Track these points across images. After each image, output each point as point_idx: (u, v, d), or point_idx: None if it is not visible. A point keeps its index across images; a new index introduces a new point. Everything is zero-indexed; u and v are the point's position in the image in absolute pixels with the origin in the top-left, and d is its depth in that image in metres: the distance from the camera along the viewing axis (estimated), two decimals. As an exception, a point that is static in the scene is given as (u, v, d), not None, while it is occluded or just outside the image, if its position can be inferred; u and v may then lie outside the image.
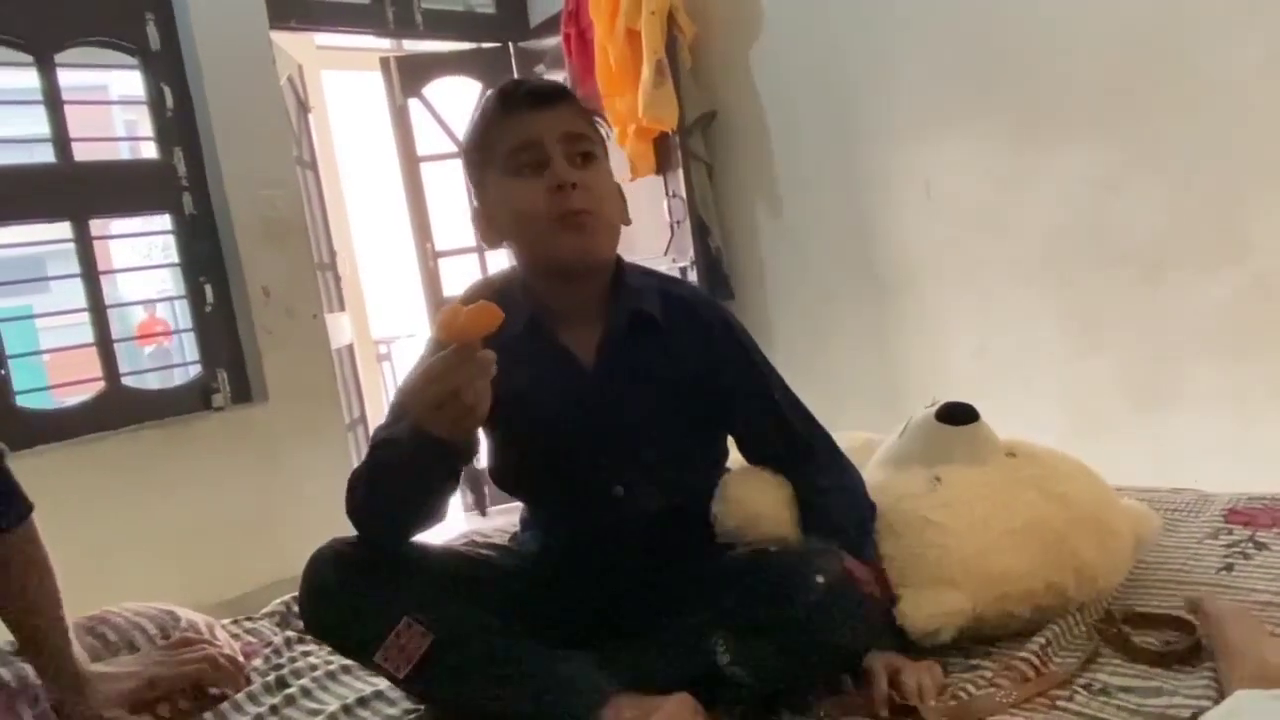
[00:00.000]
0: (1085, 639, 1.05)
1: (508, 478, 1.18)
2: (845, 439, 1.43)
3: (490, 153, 1.06)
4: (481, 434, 1.15)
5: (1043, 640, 1.04)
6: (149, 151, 2.65)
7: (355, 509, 1.02)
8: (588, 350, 1.10)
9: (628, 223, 1.13)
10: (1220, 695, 0.86)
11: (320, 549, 1.03)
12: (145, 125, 2.64)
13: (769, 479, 1.14)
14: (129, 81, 2.67)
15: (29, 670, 1.11)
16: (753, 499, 1.11)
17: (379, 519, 1.02)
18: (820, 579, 0.94)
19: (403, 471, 0.97)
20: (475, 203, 1.12)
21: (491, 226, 1.10)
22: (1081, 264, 2.26)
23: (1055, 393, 2.34)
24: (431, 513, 1.04)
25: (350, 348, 3.44)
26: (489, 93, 1.11)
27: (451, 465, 0.98)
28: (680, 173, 2.96)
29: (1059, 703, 0.92)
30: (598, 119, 1.12)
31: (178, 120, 2.62)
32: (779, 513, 1.11)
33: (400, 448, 0.96)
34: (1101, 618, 1.08)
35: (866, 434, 1.47)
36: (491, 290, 1.12)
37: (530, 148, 1.03)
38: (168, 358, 4.99)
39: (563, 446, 1.11)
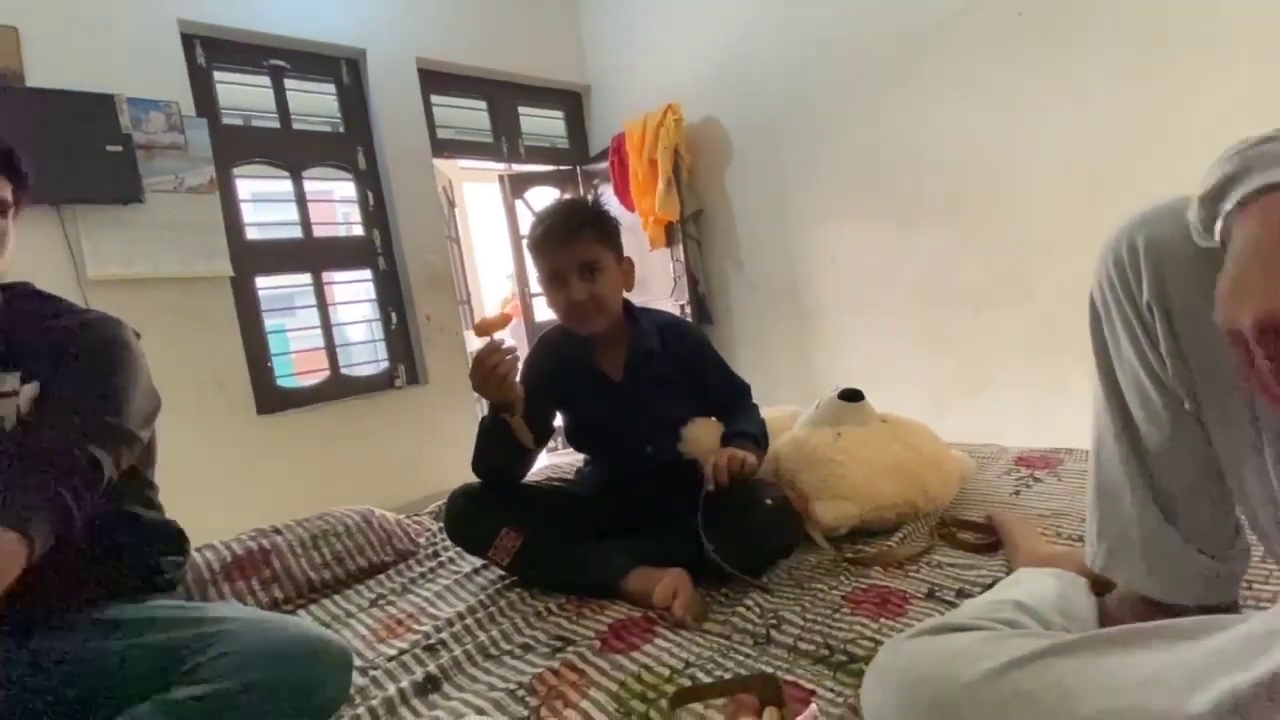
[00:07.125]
0: (928, 535, 1.05)
1: (576, 444, 1.17)
2: (778, 410, 1.43)
3: (537, 267, 1.04)
4: (559, 420, 1.13)
5: (900, 535, 1.05)
6: (358, 231, 2.67)
7: (473, 465, 1.03)
8: (616, 369, 1.08)
9: (630, 289, 1.08)
10: (1009, 570, 0.87)
11: (455, 490, 1.04)
12: (356, 215, 2.66)
13: (712, 423, 1.11)
14: (346, 188, 2.69)
15: None
16: (699, 437, 1.08)
17: (481, 469, 1.03)
18: (769, 501, 0.93)
19: (488, 436, 0.98)
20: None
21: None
22: (933, 304, 2.23)
23: (914, 383, 2.31)
24: (519, 462, 1.02)
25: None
26: (533, 222, 1.05)
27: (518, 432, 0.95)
28: (681, 246, 2.95)
29: (909, 570, 0.93)
30: (609, 223, 1.03)
31: (375, 212, 2.65)
32: (714, 443, 1.07)
33: (484, 421, 0.97)
34: (938, 522, 1.08)
35: (794, 408, 1.46)
36: (555, 338, 1.10)
37: (556, 275, 1.00)
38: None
39: (610, 429, 1.10)
